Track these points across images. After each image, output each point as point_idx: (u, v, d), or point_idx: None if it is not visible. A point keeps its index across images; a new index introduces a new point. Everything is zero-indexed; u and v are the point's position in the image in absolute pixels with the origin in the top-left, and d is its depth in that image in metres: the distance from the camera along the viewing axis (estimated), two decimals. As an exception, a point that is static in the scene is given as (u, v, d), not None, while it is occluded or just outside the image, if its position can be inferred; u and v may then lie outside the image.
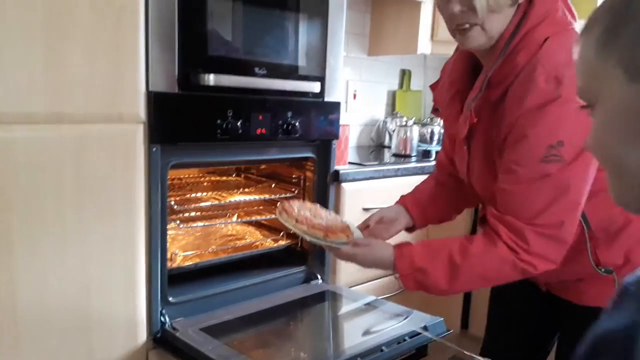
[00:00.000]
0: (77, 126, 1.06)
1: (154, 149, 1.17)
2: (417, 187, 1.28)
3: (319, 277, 1.59)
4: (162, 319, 1.24)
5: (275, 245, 1.63)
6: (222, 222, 1.69)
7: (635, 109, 0.49)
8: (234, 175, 1.88)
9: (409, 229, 1.23)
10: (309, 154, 1.53)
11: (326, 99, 1.49)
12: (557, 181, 0.92)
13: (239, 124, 1.27)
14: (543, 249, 0.93)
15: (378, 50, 2.39)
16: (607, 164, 0.55)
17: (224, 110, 1.25)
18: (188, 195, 1.58)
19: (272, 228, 1.73)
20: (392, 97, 2.63)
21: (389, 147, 2.37)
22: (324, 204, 1.58)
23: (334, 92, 1.51)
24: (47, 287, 1.05)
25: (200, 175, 1.84)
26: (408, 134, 2.18)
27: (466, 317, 2.20)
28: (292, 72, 1.39)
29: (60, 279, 1.07)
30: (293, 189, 1.64)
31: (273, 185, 1.73)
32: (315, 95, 1.45)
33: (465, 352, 1.16)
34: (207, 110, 1.23)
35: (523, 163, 0.93)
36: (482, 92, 0.98)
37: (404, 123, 2.22)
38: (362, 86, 2.45)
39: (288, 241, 1.64)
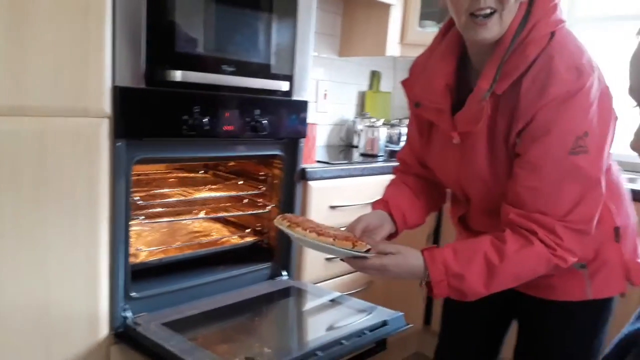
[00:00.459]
0: (39, 119, 1.05)
1: (119, 144, 1.17)
2: (390, 192, 1.20)
3: (285, 273, 1.61)
4: (124, 314, 1.24)
5: (242, 241, 1.64)
6: (188, 218, 1.69)
7: None
8: (201, 172, 1.88)
9: (389, 236, 1.13)
10: (277, 152, 1.54)
11: (294, 97, 1.51)
12: (586, 174, 0.92)
13: (205, 120, 1.28)
14: (573, 244, 0.95)
15: (348, 51, 2.42)
16: None
17: (190, 106, 1.26)
18: (154, 191, 1.57)
19: (238, 225, 1.74)
20: (362, 97, 2.67)
21: (358, 147, 2.41)
22: (291, 201, 1.60)
23: (303, 91, 1.53)
24: (3, 282, 1.04)
25: (168, 171, 1.83)
26: (376, 134, 2.22)
27: (429, 314, 2.25)
28: (260, 71, 1.41)
29: (18, 273, 1.06)
30: (260, 187, 1.66)
31: (241, 183, 1.74)
32: (283, 93, 1.47)
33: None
34: (173, 106, 1.23)
35: (550, 157, 0.92)
36: (495, 82, 0.96)
37: (372, 123, 2.26)
38: (333, 86, 2.48)
39: (254, 238, 1.66)
